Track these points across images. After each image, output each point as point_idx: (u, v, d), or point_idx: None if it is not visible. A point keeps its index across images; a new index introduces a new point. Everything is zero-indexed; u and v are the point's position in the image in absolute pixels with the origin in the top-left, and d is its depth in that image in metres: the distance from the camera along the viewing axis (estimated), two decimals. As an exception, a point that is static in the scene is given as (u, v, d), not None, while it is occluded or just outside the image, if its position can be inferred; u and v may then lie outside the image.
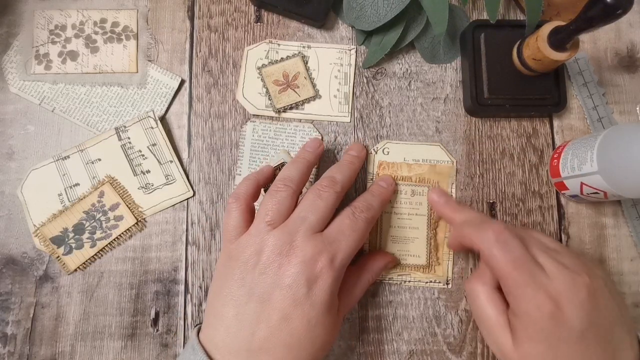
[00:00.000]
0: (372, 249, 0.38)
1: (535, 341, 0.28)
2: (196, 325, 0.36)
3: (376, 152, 0.40)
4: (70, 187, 0.39)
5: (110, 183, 0.39)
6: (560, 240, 0.39)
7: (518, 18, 0.43)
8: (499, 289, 0.31)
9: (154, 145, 0.39)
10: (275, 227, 0.30)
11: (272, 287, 0.29)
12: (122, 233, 0.38)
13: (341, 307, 0.32)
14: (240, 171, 0.40)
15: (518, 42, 0.38)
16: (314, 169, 0.39)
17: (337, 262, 0.30)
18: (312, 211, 0.31)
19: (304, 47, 0.42)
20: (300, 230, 0.30)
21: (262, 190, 0.35)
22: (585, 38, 0.42)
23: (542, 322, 0.28)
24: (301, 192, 0.34)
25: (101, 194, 0.38)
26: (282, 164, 0.39)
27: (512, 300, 0.29)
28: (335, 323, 0.31)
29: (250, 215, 0.33)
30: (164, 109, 0.41)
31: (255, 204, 0.34)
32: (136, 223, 0.38)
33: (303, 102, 0.41)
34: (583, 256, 0.33)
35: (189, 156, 0.40)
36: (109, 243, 0.38)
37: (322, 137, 0.40)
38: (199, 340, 0.29)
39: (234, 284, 0.30)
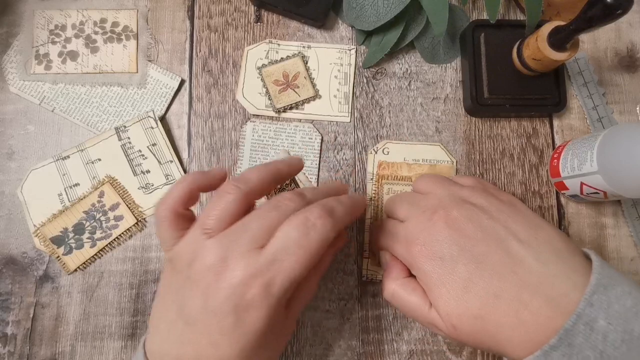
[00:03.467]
0: (372, 252, 0.38)
1: (431, 287, 0.27)
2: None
3: (376, 152, 0.40)
4: (70, 187, 0.39)
5: (110, 183, 0.39)
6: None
7: (518, 18, 0.43)
8: (410, 275, 0.31)
9: (154, 145, 0.39)
10: (211, 237, 0.25)
11: (199, 308, 0.24)
12: (122, 233, 0.38)
13: (293, 310, 0.28)
14: (240, 171, 0.40)
15: (518, 42, 0.38)
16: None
17: (275, 290, 0.24)
18: (260, 221, 0.25)
19: (304, 47, 0.42)
20: (238, 243, 0.25)
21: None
22: (585, 38, 0.42)
23: (420, 266, 0.28)
24: (254, 205, 0.29)
25: (101, 194, 0.38)
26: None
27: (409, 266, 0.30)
28: (282, 335, 0.27)
29: (182, 222, 0.28)
30: (164, 109, 0.41)
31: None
32: (136, 223, 0.38)
33: (303, 102, 0.41)
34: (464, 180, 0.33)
35: (189, 156, 0.40)
36: (109, 243, 0.38)
37: (322, 137, 0.40)
38: (144, 349, 0.27)
39: (169, 296, 0.26)
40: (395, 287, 0.30)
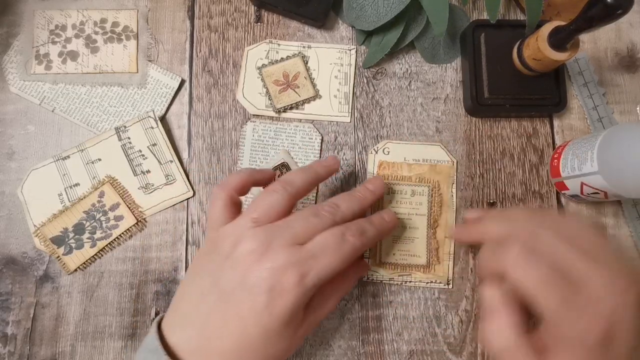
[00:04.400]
0: (372, 252, 0.38)
1: None
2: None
3: (376, 152, 0.40)
4: (71, 187, 0.39)
5: (111, 183, 0.39)
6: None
7: (518, 18, 0.43)
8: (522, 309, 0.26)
9: (154, 145, 0.39)
10: (258, 226, 0.29)
11: (236, 284, 0.27)
12: (122, 233, 0.38)
13: (309, 319, 0.29)
14: (241, 171, 0.40)
15: (518, 42, 0.38)
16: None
17: (308, 280, 0.27)
18: (302, 223, 0.29)
19: (304, 47, 0.42)
20: (283, 236, 0.28)
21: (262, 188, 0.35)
22: (585, 38, 0.42)
23: (589, 348, 0.23)
24: (295, 205, 0.32)
25: (101, 194, 0.38)
26: (282, 164, 0.39)
27: (551, 326, 0.24)
28: (295, 337, 0.29)
29: (234, 207, 0.31)
30: (164, 109, 0.41)
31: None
32: (136, 223, 0.38)
33: (303, 102, 0.41)
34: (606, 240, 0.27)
35: (189, 156, 0.40)
36: (109, 243, 0.38)
37: (322, 137, 0.40)
38: (160, 326, 0.29)
39: (205, 271, 0.29)
40: (516, 337, 0.25)
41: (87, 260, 0.38)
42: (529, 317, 0.26)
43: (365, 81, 0.42)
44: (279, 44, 0.42)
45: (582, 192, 0.36)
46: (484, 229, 0.31)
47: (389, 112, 0.41)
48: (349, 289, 0.34)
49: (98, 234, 0.38)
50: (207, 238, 0.31)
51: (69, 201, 0.38)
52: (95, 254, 0.38)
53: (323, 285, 0.29)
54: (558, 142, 0.41)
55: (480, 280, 0.36)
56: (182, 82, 0.41)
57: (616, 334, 0.22)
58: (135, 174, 0.39)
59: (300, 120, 0.41)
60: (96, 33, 0.41)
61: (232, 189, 0.31)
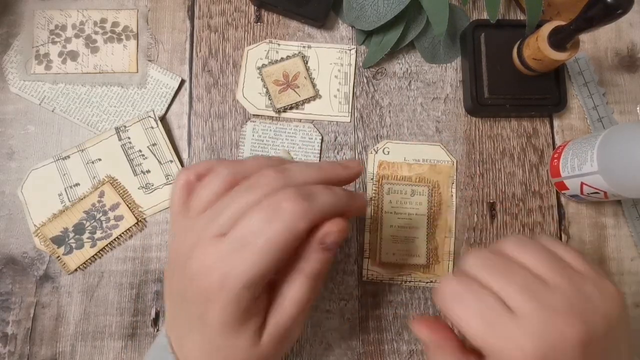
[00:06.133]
0: (372, 252, 0.38)
1: None
2: None
3: (376, 152, 0.40)
4: (71, 187, 0.39)
5: (111, 183, 0.39)
6: (561, 240, 0.39)
7: (518, 18, 0.43)
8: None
9: (154, 145, 0.39)
10: (201, 213, 0.24)
11: (181, 291, 0.24)
12: (123, 233, 0.38)
13: (273, 322, 0.23)
14: (241, 171, 0.40)
15: (518, 42, 0.38)
16: None
17: (231, 284, 0.21)
18: (231, 204, 0.22)
19: (304, 47, 0.42)
20: (208, 228, 0.22)
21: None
22: (585, 38, 0.42)
23: None
24: None
25: (101, 194, 0.38)
26: (282, 164, 0.39)
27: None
28: (262, 346, 0.23)
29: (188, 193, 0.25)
30: (164, 108, 0.41)
31: None
32: (136, 223, 0.38)
33: (303, 102, 0.41)
34: (595, 273, 0.24)
35: (189, 156, 0.40)
36: (109, 243, 0.38)
37: (322, 137, 0.40)
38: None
39: (170, 271, 0.26)
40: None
41: (87, 260, 0.38)
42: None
43: (365, 81, 0.42)
44: (279, 44, 0.42)
45: (582, 192, 0.36)
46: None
47: (389, 112, 0.41)
48: (321, 271, 0.24)
49: (98, 234, 0.38)
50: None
51: (69, 201, 0.38)
52: (96, 254, 0.38)
53: (276, 278, 0.23)
54: (558, 142, 0.41)
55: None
56: (182, 82, 0.41)
57: None
58: (135, 173, 0.39)
59: (300, 120, 0.41)
60: (96, 33, 0.41)
61: (191, 173, 0.25)
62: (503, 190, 0.40)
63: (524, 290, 0.22)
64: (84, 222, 0.38)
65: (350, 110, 0.41)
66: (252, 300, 0.22)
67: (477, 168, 0.40)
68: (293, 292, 0.23)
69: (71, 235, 0.38)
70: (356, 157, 0.40)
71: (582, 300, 0.22)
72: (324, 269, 0.24)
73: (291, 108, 0.41)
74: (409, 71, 0.42)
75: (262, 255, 0.21)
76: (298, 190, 0.22)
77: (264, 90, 0.41)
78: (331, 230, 0.23)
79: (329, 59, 0.41)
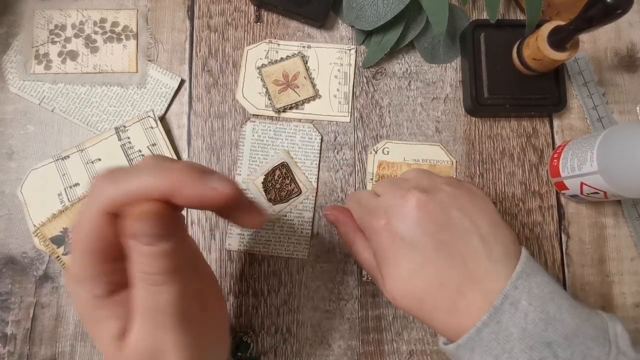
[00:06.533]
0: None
1: (384, 263, 0.28)
2: None
3: (376, 152, 0.40)
4: (70, 187, 0.39)
5: (110, 183, 0.39)
6: (560, 240, 0.39)
7: (518, 18, 0.43)
8: None
9: (153, 145, 0.39)
10: None
11: None
12: (122, 233, 0.38)
13: (129, 335, 0.22)
14: (240, 171, 0.40)
15: (518, 42, 0.38)
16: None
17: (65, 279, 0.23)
18: None
19: (303, 47, 0.42)
20: None
21: None
22: (585, 38, 0.42)
23: (380, 239, 0.28)
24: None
25: (101, 194, 0.38)
26: (282, 164, 0.39)
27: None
28: (115, 353, 0.22)
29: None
30: (164, 108, 0.41)
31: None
32: (136, 223, 0.38)
33: (303, 102, 0.41)
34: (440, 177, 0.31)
35: (189, 156, 0.40)
36: (109, 243, 0.38)
37: (322, 137, 0.40)
38: None
39: None
40: (358, 239, 0.32)
41: (86, 260, 0.38)
42: None
43: (365, 81, 0.41)
44: (278, 44, 0.42)
45: (581, 192, 0.36)
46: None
47: (389, 112, 0.41)
48: (153, 269, 0.21)
49: (98, 234, 0.38)
50: None
51: (69, 201, 0.38)
52: (95, 254, 0.38)
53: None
54: (558, 142, 0.41)
55: None
56: (182, 82, 0.41)
57: (391, 222, 0.28)
58: (135, 173, 0.39)
59: (300, 120, 0.41)
60: (96, 33, 0.41)
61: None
62: (503, 190, 0.40)
63: (388, 183, 0.31)
64: (84, 222, 0.38)
65: (350, 110, 0.41)
66: (91, 299, 0.22)
67: (477, 168, 0.40)
68: (138, 300, 0.21)
69: (71, 235, 0.38)
70: (356, 157, 0.40)
71: (430, 185, 0.29)
72: (158, 266, 0.20)
73: (291, 108, 0.41)
74: (408, 71, 0.42)
75: (75, 245, 0.21)
76: (109, 171, 0.21)
77: (264, 90, 0.41)
78: (131, 213, 0.20)
79: (329, 59, 0.41)
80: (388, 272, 0.28)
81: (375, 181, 0.39)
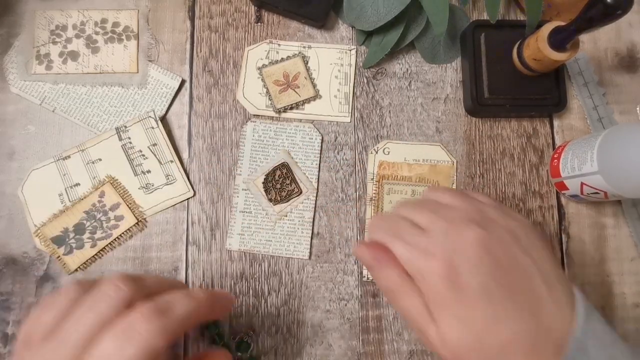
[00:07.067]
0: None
1: (441, 312, 0.24)
2: None
3: (376, 152, 0.40)
4: (71, 187, 0.39)
5: (111, 183, 0.39)
6: (561, 240, 0.39)
7: (518, 18, 0.43)
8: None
9: (154, 145, 0.40)
10: (45, 340, 0.22)
11: None
12: (123, 233, 0.38)
13: None
14: (241, 171, 0.40)
15: (518, 42, 0.38)
16: None
17: None
18: (76, 328, 0.21)
19: (304, 47, 0.42)
20: (59, 356, 0.21)
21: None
22: (585, 38, 0.42)
23: (435, 284, 0.24)
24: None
25: (102, 194, 0.38)
26: (283, 164, 0.39)
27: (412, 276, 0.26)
28: None
29: None
30: (165, 109, 0.41)
31: None
32: (137, 223, 0.38)
33: (303, 102, 0.41)
34: (492, 203, 0.28)
35: (189, 156, 0.40)
36: (110, 243, 0.38)
37: (322, 137, 0.40)
38: None
39: None
40: (407, 283, 0.26)
41: (87, 260, 0.38)
42: None
43: (365, 81, 0.42)
44: (279, 44, 0.42)
45: (582, 192, 0.36)
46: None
47: (389, 112, 0.41)
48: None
49: (98, 234, 0.38)
50: None
51: (70, 201, 0.38)
52: (96, 254, 0.38)
53: None
54: (558, 142, 0.41)
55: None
56: (183, 82, 0.41)
57: (459, 270, 0.24)
58: (135, 174, 0.39)
59: (300, 120, 0.41)
60: (97, 33, 0.41)
61: None
62: (503, 190, 0.40)
63: (430, 212, 0.26)
64: (84, 222, 0.38)
65: (350, 111, 0.41)
66: None
67: (477, 168, 0.40)
68: None
69: (71, 235, 0.38)
70: (356, 157, 0.40)
71: (482, 216, 0.26)
72: None
73: (291, 108, 0.41)
74: (409, 71, 0.42)
75: None
76: (152, 305, 0.21)
77: (264, 90, 0.41)
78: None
79: (329, 59, 0.42)
80: (449, 324, 0.24)
81: (376, 181, 0.39)
